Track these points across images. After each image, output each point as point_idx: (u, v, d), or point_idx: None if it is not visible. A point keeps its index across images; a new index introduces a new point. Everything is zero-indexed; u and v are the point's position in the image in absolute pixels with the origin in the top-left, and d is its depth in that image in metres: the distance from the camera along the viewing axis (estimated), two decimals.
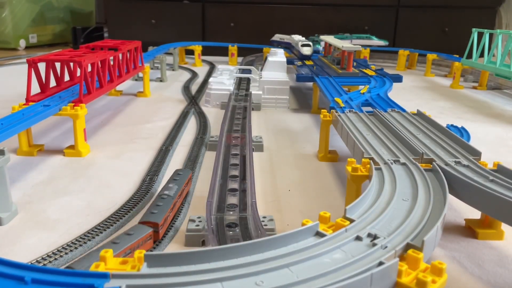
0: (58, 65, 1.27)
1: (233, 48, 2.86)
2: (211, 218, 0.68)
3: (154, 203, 0.72)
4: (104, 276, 0.39)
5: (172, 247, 0.70)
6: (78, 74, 1.34)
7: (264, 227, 0.71)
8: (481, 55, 2.10)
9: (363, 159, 0.77)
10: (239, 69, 1.97)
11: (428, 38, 3.30)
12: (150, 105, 1.71)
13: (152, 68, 2.42)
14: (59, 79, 1.28)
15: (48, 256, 0.65)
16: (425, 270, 0.44)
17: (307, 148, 1.22)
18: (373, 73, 1.64)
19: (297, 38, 2.36)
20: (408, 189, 0.66)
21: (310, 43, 2.13)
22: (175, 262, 0.43)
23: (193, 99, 1.77)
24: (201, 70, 2.63)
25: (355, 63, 1.91)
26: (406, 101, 1.86)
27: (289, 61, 2.12)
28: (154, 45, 2.64)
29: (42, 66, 1.15)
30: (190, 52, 2.97)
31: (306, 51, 2.09)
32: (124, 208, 0.81)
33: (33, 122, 0.99)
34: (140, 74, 2.09)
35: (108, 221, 0.76)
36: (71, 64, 1.34)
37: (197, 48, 2.82)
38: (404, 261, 0.45)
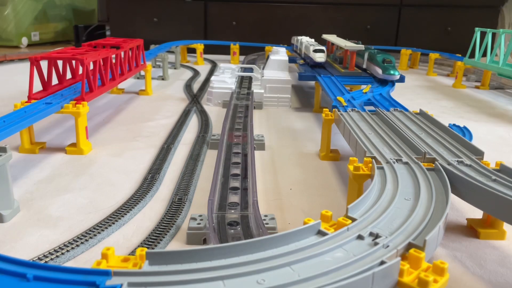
0: (60, 63, 1.27)
1: (235, 47, 2.86)
2: (212, 216, 0.68)
3: None
4: (106, 273, 0.39)
5: (174, 245, 0.70)
6: (80, 72, 1.34)
7: (266, 225, 0.71)
8: (484, 54, 2.09)
9: (365, 158, 0.77)
10: (241, 67, 1.97)
11: (430, 37, 3.30)
12: (152, 103, 1.71)
13: (154, 67, 2.42)
14: (61, 77, 1.28)
15: (50, 253, 0.65)
16: (426, 270, 0.44)
17: (308, 147, 1.21)
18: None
19: (307, 41, 2.05)
20: (410, 188, 0.66)
21: (324, 48, 1.84)
22: (177, 260, 0.43)
23: (195, 97, 1.77)
24: (203, 68, 2.63)
25: None
26: (408, 101, 1.86)
27: (291, 60, 2.12)
28: (156, 43, 2.64)
29: (44, 64, 1.15)
30: (192, 51, 2.97)
31: (319, 57, 1.80)
32: (126, 206, 0.81)
33: (35, 119, 0.99)
34: (142, 73, 2.10)
35: (110, 218, 0.76)
36: (73, 62, 1.34)
37: (199, 46, 2.82)
38: (406, 261, 0.45)
